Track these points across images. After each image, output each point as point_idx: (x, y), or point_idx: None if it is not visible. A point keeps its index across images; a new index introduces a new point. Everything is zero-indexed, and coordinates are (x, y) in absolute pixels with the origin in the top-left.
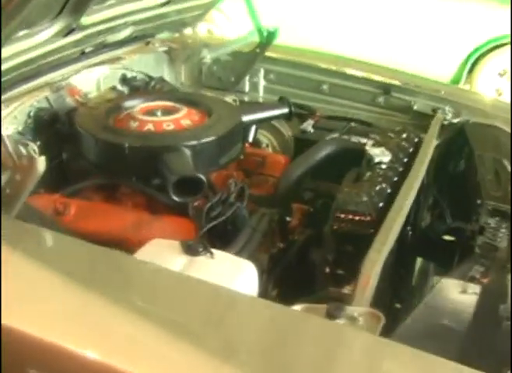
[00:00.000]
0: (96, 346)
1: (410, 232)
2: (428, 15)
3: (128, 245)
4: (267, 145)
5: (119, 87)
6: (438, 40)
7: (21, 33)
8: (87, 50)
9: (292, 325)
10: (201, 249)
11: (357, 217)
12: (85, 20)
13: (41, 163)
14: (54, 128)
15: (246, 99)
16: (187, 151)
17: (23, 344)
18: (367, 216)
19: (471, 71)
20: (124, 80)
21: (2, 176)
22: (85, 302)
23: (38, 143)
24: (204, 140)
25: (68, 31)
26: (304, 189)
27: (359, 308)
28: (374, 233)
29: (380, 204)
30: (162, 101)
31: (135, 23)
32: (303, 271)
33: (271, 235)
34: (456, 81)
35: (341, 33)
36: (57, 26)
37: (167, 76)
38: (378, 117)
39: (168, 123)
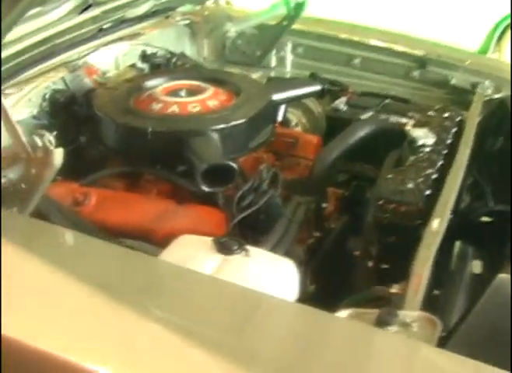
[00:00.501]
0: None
1: (451, 215)
2: None
3: (152, 237)
4: (296, 124)
5: (139, 64)
6: (465, 8)
7: (33, 11)
8: (105, 27)
9: (335, 334)
10: (235, 247)
11: (403, 208)
12: None
13: (58, 155)
14: (70, 111)
15: (272, 74)
16: (216, 136)
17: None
18: (414, 206)
19: (499, 39)
20: (144, 57)
21: (15, 170)
22: (103, 311)
23: (54, 132)
24: (233, 122)
25: (85, 7)
26: (338, 171)
27: (412, 312)
28: (421, 224)
29: (427, 192)
30: (186, 80)
31: None
32: (341, 263)
33: (307, 225)
34: (484, 50)
35: (363, 2)
36: (73, 1)
37: (189, 51)
38: (413, 93)
39: (194, 105)
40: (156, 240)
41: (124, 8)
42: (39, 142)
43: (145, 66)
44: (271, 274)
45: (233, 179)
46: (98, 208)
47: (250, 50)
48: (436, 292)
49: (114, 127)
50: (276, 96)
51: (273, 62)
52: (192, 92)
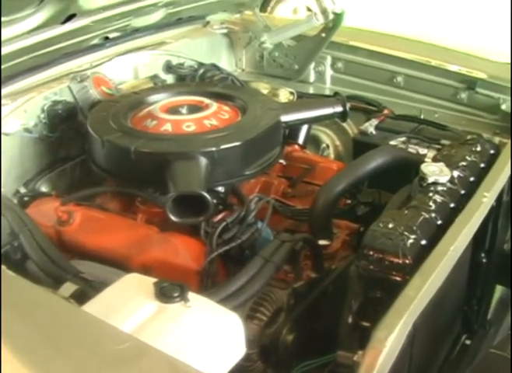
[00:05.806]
0: None
1: (484, 259)
2: None
3: (127, 265)
4: (327, 146)
5: (162, 75)
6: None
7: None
8: (112, 36)
9: None
10: (175, 294)
11: (388, 259)
12: (86, 3)
13: None
14: (71, 124)
15: (311, 90)
16: (203, 159)
17: None
18: (400, 258)
19: None
20: (168, 67)
21: None
22: None
23: None
24: (225, 145)
25: (67, 17)
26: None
27: None
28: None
29: (423, 242)
30: (192, 95)
31: (166, 5)
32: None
33: (296, 266)
34: None
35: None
36: (46, 12)
37: (226, 62)
38: (459, 117)
39: (188, 124)
40: (130, 268)
41: (127, 16)
42: None
43: (168, 77)
44: (210, 329)
45: (206, 212)
46: (81, 228)
47: (287, 64)
48: (467, 342)
49: (100, 143)
50: (287, 117)
51: (312, 77)
52: (194, 109)
